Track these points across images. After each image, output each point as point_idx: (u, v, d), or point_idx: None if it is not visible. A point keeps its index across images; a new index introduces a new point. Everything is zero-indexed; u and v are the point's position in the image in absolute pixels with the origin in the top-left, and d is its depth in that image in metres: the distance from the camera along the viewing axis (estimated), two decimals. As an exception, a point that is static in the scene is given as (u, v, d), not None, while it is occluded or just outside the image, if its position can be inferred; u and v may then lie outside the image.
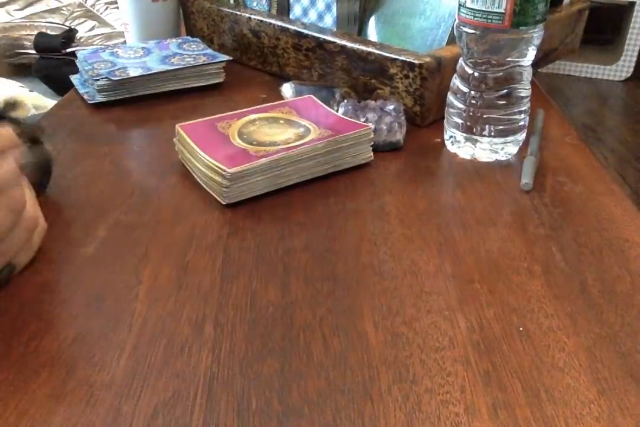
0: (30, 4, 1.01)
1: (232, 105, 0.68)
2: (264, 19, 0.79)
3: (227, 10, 0.83)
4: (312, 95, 0.66)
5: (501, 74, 0.57)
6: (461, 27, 0.56)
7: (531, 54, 0.57)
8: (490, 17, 0.54)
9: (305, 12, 0.79)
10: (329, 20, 0.76)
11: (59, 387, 0.37)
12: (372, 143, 0.60)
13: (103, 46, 0.84)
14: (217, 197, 0.54)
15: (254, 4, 0.84)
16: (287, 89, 0.71)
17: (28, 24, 0.96)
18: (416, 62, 0.63)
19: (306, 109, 0.64)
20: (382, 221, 0.52)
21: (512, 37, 0.55)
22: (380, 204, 0.54)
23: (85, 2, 1.01)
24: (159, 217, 0.53)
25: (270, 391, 0.36)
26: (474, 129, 0.59)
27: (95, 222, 0.52)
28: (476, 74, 0.58)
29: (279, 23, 0.77)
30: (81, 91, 0.76)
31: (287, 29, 0.76)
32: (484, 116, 0.58)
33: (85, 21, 0.98)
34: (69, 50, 0.90)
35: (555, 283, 0.45)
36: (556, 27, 0.78)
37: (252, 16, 0.80)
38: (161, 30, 0.87)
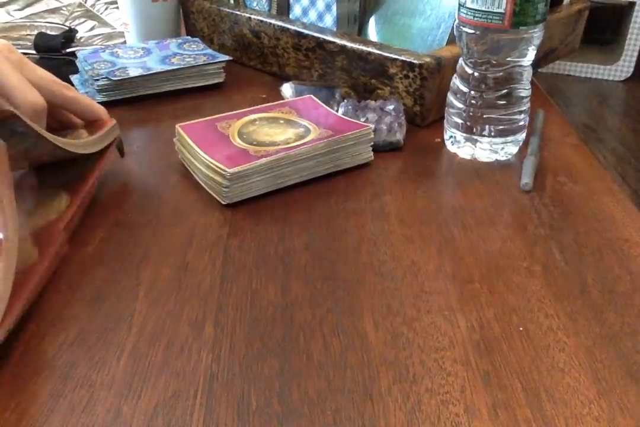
0: (30, 4, 1.01)
1: (232, 105, 0.68)
2: (264, 19, 0.79)
3: (227, 10, 0.83)
4: (312, 95, 0.66)
5: (501, 74, 0.57)
6: (461, 27, 0.56)
7: (531, 54, 0.57)
8: (490, 17, 0.54)
9: (305, 12, 0.79)
10: (329, 20, 0.76)
11: (59, 387, 0.37)
12: (372, 143, 0.60)
13: (103, 46, 0.84)
14: (217, 197, 0.54)
15: (254, 4, 0.84)
16: (287, 89, 0.71)
17: (28, 24, 0.96)
18: (416, 62, 0.63)
19: (306, 109, 0.64)
20: (382, 221, 0.52)
21: (512, 37, 0.55)
22: (380, 204, 0.54)
23: (85, 2, 1.01)
24: (159, 217, 0.53)
25: (270, 391, 0.36)
26: (474, 129, 0.60)
27: (95, 222, 0.52)
28: (476, 74, 0.58)
29: (279, 23, 0.77)
30: (81, 91, 0.76)
31: (287, 29, 0.76)
32: (484, 116, 0.59)
33: (85, 21, 0.98)
34: (69, 50, 0.89)
35: (555, 283, 0.45)
36: (556, 27, 0.78)
37: (252, 16, 0.80)
38: (161, 30, 0.87)
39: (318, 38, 0.73)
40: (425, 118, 0.67)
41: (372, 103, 0.65)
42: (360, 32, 0.79)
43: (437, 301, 0.43)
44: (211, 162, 0.53)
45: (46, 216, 0.47)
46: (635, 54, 2.72)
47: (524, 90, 0.58)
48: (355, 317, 0.42)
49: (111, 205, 0.55)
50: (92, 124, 0.56)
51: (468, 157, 0.62)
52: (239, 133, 0.59)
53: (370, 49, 0.67)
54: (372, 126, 0.60)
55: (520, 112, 0.59)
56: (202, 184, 0.56)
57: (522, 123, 0.60)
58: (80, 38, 0.94)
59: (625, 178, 2.09)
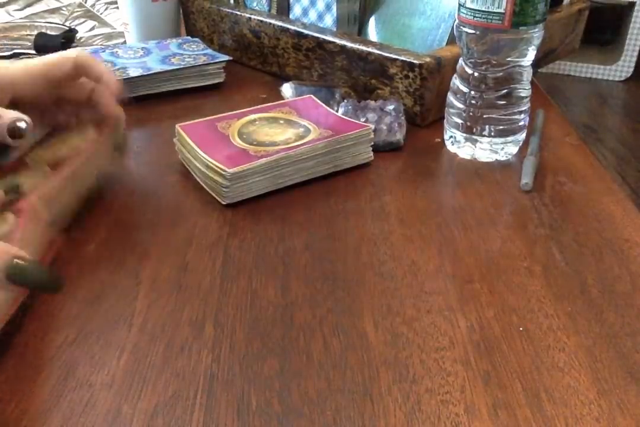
0: (30, 4, 1.01)
1: (232, 105, 0.68)
2: (264, 19, 0.79)
3: (227, 10, 0.83)
4: (312, 95, 0.66)
5: (501, 74, 0.57)
6: (461, 27, 0.56)
7: (531, 54, 0.57)
8: (490, 17, 0.54)
9: (305, 12, 0.79)
10: (329, 20, 0.76)
11: (59, 387, 0.37)
12: (372, 143, 0.60)
13: (103, 46, 0.84)
14: (217, 197, 0.54)
15: (254, 4, 0.84)
16: (287, 89, 0.71)
17: (28, 24, 0.96)
18: (416, 62, 0.63)
19: (306, 109, 0.64)
20: (382, 221, 0.52)
21: (512, 37, 0.55)
22: (380, 204, 0.54)
23: (85, 2, 1.01)
24: (159, 217, 0.53)
25: (270, 391, 0.36)
26: (474, 129, 0.60)
27: (95, 222, 0.52)
28: (476, 74, 0.58)
29: (279, 23, 0.77)
30: (81, 91, 0.76)
31: (287, 29, 0.76)
32: (484, 116, 0.58)
33: (85, 21, 0.98)
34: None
35: (555, 283, 0.45)
36: (556, 27, 0.78)
37: (252, 16, 0.80)
38: (161, 30, 0.87)
39: (318, 38, 0.73)
40: (425, 118, 0.67)
41: (372, 103, 0.65)
42: (360, 32, 0.79)
43: (437, 301, 0.43)
44: (211, 162, 0.53)
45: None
46: (635, 54, 2.72)
47: (524, 90, 0.58)
48: (355, 317, 0.42)
49: (111, 205, 0.55)
50: (100, 127, 0.56)
51: (468, 157, 0.62)
52: (239, 133, 0.59)
53: (370, 49, 0.67)
54: (372, 126, 0.60)
55: (520, 112, 0.59)
56: (202, 184, 0.56)
57: (522, 123, 0.60)
58: (80, 38, 0.94)
59: (625, 178, 2.09)
